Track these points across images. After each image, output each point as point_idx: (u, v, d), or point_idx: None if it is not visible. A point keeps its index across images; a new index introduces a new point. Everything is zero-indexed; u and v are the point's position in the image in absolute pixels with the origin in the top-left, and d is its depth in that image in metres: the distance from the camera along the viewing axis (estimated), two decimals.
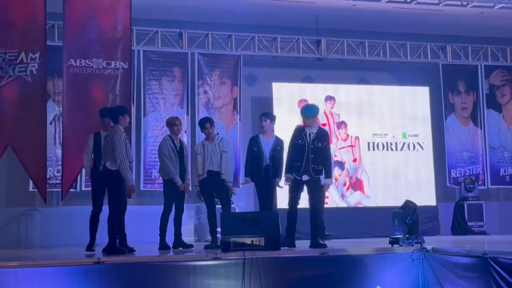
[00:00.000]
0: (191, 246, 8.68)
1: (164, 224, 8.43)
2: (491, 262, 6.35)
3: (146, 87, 11.40)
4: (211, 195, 8.61)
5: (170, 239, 8.47)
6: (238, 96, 11.85)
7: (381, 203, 12.15)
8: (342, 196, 12.18)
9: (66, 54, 8.81)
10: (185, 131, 10.72)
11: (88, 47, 8.90)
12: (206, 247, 8.39)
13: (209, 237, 8.91)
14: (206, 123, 8.69)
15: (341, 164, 12.23)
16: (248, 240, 7.34)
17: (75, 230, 10.43)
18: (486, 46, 13.27)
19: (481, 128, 13.01)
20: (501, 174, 13.00)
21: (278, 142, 8.85)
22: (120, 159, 7.46)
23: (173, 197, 8.45)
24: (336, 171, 12.13)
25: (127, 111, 7.88)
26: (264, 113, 9.13)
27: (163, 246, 8.33)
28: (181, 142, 8.65)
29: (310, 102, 12.14)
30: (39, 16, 8.77)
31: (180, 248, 8.45)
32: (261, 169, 8.73)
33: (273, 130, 8.96)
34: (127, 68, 9.01)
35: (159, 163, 8.73)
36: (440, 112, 12.90)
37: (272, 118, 8.93)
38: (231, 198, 8.78)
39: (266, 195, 8.79)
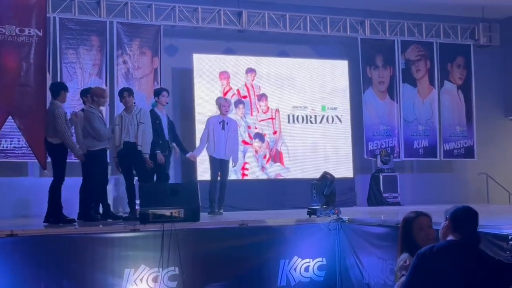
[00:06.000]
0: (121, 217, 8.56)
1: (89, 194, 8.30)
2: None
3: (63, 56, 11.06)
4: (128, 167, 8.49)
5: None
6: (158, 66, 11.68)
7: (300, 175, 12.31)
8: (262, 168, 12.27)
9: None
10: None
11: (0, 13, 8.53)
12: (124, 219, 8.31)
13: (128, 209, 8.82)
14: (124, 92, 8.64)
15: (261, 136, 12.30)
16: (167, 212, 7.32)
17: None
18: (403, 21, 13.54)
19: (397, 102, 13.33)
20: (414, 147, 13.36)
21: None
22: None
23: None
24: (256, 143, 12.23)
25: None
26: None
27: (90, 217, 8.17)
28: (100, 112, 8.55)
29: (231, 74, 12.18)
30: None
31: (109, 220, 8.35)
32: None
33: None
34: (42, 35, 8.69)
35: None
36: (358, 86, 13.12)
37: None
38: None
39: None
